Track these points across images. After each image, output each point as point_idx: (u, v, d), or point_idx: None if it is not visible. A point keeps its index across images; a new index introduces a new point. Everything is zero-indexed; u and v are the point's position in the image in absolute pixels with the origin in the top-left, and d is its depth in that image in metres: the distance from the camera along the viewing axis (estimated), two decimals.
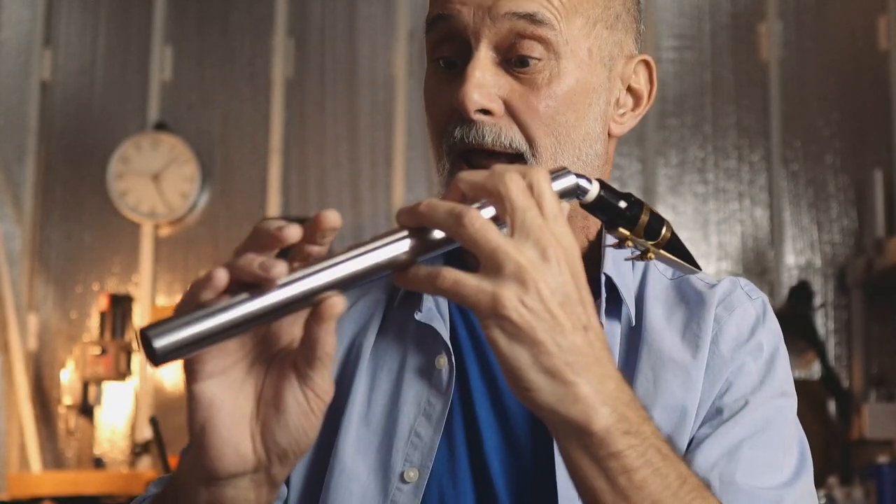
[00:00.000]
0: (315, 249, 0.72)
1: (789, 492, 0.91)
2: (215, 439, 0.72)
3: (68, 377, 3.80)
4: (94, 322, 3.91)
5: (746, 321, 0.99)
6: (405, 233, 0.74)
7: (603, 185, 0.83)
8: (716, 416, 0.95)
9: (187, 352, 0.68)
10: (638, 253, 0.87)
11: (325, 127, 3.98)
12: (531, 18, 0.92)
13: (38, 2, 4.15)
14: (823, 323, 3.66)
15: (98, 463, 3.78)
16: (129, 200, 3.96)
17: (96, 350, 3.68)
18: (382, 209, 3.88)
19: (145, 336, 0.67)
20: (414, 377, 0.98)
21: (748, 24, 3.85)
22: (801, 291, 3.59)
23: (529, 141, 0.94)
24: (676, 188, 3.80)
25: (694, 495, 0.76)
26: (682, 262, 0.89)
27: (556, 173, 0.80)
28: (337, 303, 0.71)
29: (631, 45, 1.02)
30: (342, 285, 0.71)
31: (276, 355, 0.75)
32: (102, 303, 3.78)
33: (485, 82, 0.93)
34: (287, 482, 0.99)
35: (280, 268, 0.69)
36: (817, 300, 3.65)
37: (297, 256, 0.73)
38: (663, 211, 3.77)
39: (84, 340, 3.85)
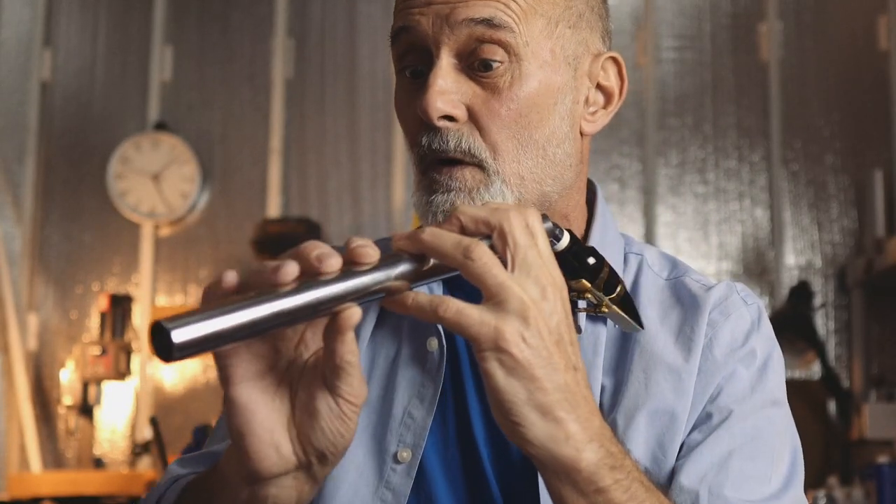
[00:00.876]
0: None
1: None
2: (255, 441, 0.74)
3: (68, 377, 3.80)
4: (94, 322, 3.91)
5: (741, 327, 1.00)
6: (401, 258, 0.75)
7: (573, 237, 0.86)
8: (706, 420, 0.95)
9: (205, 344, 0.67)
10: (592, 305, 0.90)
11: (325, 127, 3.98)
12: (489, 23, 0.93)
13: (38, 2, 4.15)
14: (823, 323, 3.66)
15: (98, 463, 3.78)
16: (129, 200, 3.96)
17: (96, 350, 3.68)
18: (382, 209, 3.88)
19: (162, 328, 0.66)
20: (409, 362, 1.00)
21: (748, 24, 3.85)
22: (802, 291, 3.59)
23: (491, 146, 0.94)
24: (676, 188, 3.80)
25: None
26: (629, 319, 0.92)
27: None
28: (352, 315, 0.72)
29: (598, 43, 1.01)
30: (349, 299, 0.72)
31: (307, 362, 0.76)
32: (102, 303, 3.78)
33: (447, 89, 0.94)
34: None
35: (335, 261, 0.71)
36: (817, 300, 3.65)
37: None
38: (663, 211, 3.77)
39: (84, 340, 3.85)
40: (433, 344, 0.99)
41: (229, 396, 0.74)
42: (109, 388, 3.84)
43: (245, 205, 3.97)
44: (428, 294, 0.75)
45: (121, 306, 3.80)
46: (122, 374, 3.71)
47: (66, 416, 3.87)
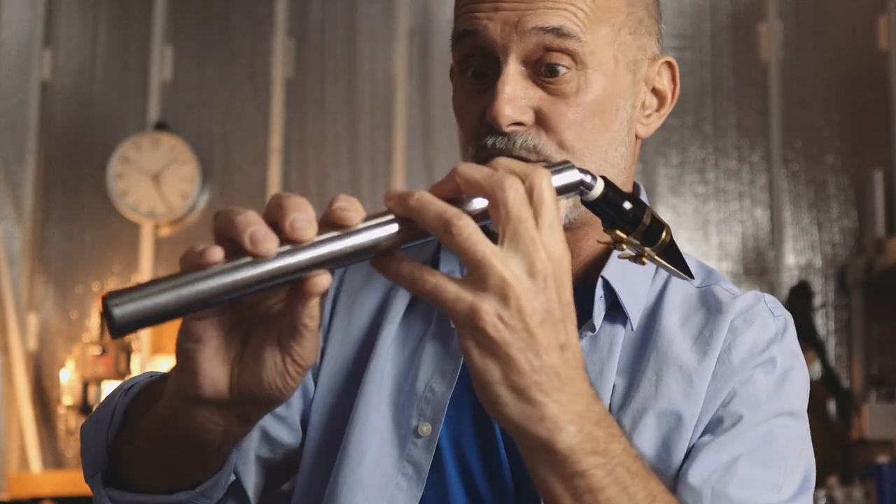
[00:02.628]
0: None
1: None
2: (196, 368, 0.73)
3: (68, 377, 3.80)
4: (94, 322, 3.91)
5: (763, 335, 0.99)
6: (391, 217, 0.73)
7: (608, 183, 0.82)
8: (717, 425, 0.95)
9: (150, 323, 0.65)
10: (632, 255, 0.86)
11: (325, 127, 3.98)
12: (557, 32, 0.94)
13: (38, 2, 4.14)
14: (824, 323, 3.66)
15: None
16: (129, 200, 3.96)
17: (96, 350, 3.68)
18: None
19: (105, 304, 0.64)
20: (435, 339, 1.01)
21: (748, 24, 3.85)
22: (802, 291, 3.59)
23: (558, 145, 0.95)
24: (676, 188, 3.80)
25: None
26: (675, 268, 0.88)
27: (559, 167, 0.79)
28: (320, 282, 0.70)
29: (654, 47, 1.03)
30: (319, 266, 0.69)
31: (270, 307, 0.75)
32: None
33: (515, 96, 0.94)
34: (305, 425, 1.04)
35: (271, 244, 0.68)
36: (817, 300, 3.65)
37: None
38: (664, 212, 3.77)
39: (84, 340, 3.85)
40: None
41: (186, 325, 0.72)
42: (109, 387, 3.83)
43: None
44: (411, 264, 0.72)
45: None
46: (122, 373, 3.71)
47: (66, 416, 3.87)
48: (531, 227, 0.71)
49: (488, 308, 0.70)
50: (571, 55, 0.95)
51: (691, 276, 0.90)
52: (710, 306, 1.01)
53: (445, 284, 0.70)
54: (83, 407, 3.74)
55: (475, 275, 0.70)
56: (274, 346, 0.73)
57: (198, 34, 4.09)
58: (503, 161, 0.74)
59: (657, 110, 1.05)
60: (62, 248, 4.03)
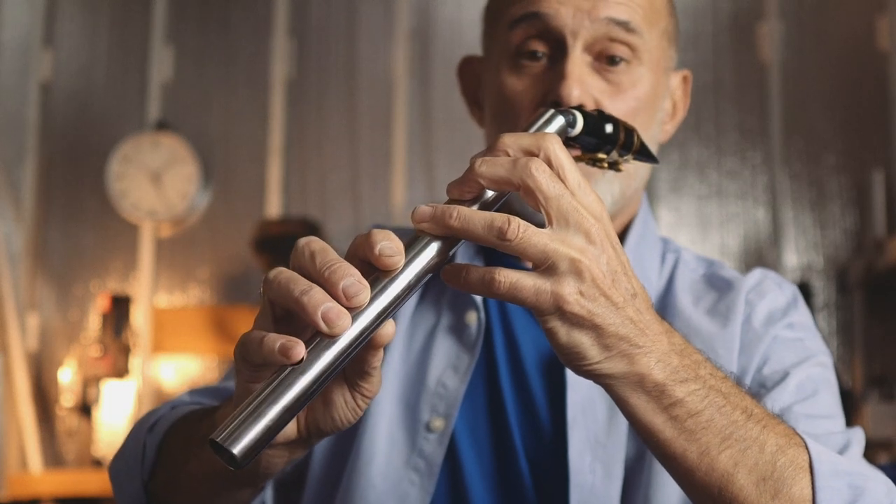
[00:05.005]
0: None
1: (854, 433, 0.94)
2: None
3: (68, 377, 3.79)
4: (94, 322, 3.90)
5: (778, 304, 1.04)
6: (427, 239, 0.72)
7: (584, 114, 0.83)
8: (761, 387, 0.98)
9: (267, 443, 0.66)
10: (611, 165, 0.89)
11: (325, 127, 3.98)
12: (626, 26, 0.99)
13: (38, 2, 4.14)
14: (825, 323, 3.66)
15: (98, 463, 3.78)
16: (129, 200, 3.95)
17: (96, 350, 3.67)
18: (382, 209, 3.87)
19: (218, 447, 0.65)
20: (446, 333, 1.03)
21: (748, 24, 3.85)
22: (803, 292, 3.58)
23: None
24: (677, 188, 3.80)
25: (763, 424, 0.77)
26: (648, 161, 0.92)
27: (545, 120, 0.79)
28: (386, 334, 0.71)
29: (675, 59, 1.09)
30: (385, 318, 0.70)
31: None
32: (103, 303, 3.78)
33: (583, 79, 0.98)
34: None
35: (345, 321, 0.67)
36: (819, 300, 3.64)
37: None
38: (666, 212, 3.77)
39: (84, 340, 3.85)
40: (471, 318, 1.02)
41: (245, 389, 0.73)
42: (109, 387, 3.83)
43: (245, 205, 3.96)
44: (479, 270, 0.72)
45: (121, 306, 3.80)
46: (121, 373, 3.71)
47: (66, 416, 3.87)
48: (570, 198, 0.72)
49: (570, 290, 0.70)
50: (632, 49, 1.00)
51: (657, 161, 0.93)
52: (720, 286, 1.05)
53: (522, 281, 0.71)
54: (83, 407, 3.74)
55: (545, 265, 0.71)
56: (341, 386, 0.75)
57: (198, 34, 4.09)
58: (509, 140, 0.73)
59: (671, 120, 1.11)
60: (62, 248, 4.03)
